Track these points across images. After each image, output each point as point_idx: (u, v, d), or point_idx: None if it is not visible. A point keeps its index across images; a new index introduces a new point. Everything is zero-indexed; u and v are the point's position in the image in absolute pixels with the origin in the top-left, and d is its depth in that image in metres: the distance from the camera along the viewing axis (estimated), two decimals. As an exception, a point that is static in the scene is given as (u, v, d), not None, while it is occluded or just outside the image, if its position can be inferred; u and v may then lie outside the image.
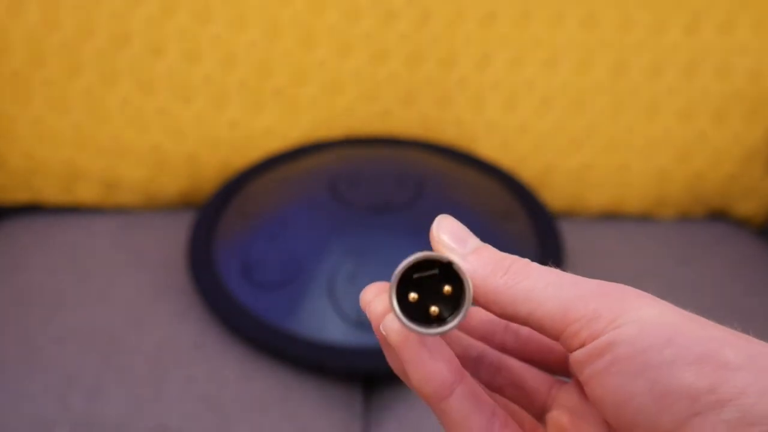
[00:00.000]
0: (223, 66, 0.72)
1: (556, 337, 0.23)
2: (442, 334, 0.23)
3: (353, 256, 0.62)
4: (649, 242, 0.75)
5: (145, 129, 0.73)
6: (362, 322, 0.59)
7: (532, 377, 0.28)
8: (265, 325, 0.59)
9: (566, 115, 0.75)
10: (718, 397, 0.19)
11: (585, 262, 0.71)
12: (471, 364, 0.28)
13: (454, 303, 0.23)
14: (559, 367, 0.28)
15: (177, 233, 0.70)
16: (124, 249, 0.69)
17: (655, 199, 0.79)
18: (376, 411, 0.59)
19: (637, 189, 0.78)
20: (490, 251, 0.24)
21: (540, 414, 0.27)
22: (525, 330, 0.28)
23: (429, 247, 0.24)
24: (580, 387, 0.26)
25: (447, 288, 0.23)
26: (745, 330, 0.22)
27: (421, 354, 0.23)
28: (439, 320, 0.23)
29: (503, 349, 0.28)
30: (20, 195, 0.75)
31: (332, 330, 0.59)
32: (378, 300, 0.24)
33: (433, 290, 0.23)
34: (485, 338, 0.28)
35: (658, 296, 0.22)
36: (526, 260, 0.24)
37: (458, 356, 0.27)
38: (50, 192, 0.75)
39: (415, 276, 0.23)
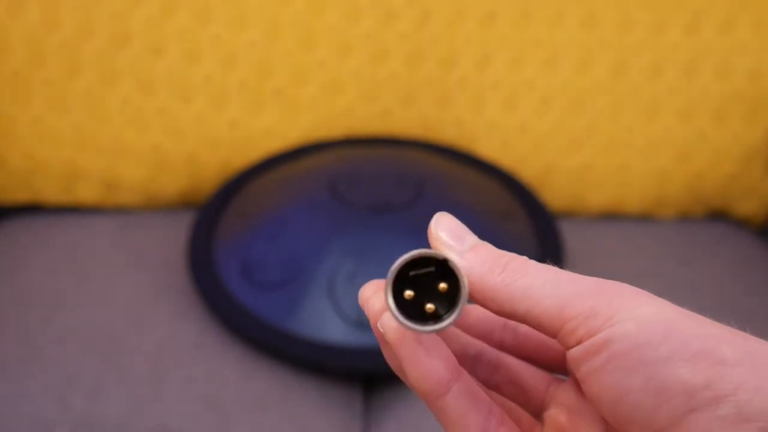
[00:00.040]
0: (223, 66, 0.72)
1: (553, 335, 0.23)
2: (438, 332, 0.23)
3: (353, 256, 0.62)
4: (649, 242, 0.75)
5: (145, 129, 0.73)
6: (362, 322, 0.59)
7: (530, 375, 0.28)
8: (265, 325, 0.59)
9: (566, 115, 0.75)
10: (714, 393, 0.19)
11: (585, 262, 0.71)
12: (469, 361, 0.28)
13: (450, 300, 0.23)
14: (557, 365, 0.28)
15: (177, 233, 0.70)
16: (124, 249, 0.69)
17: (655, 199, 0.79)
18: (376, 411, 0.59)
19: (637, 189, 0.78)
20: (487, 248, 0.24)
21: (537, 412, 0.27)
22: (523, 328, 0.28)
23: (429, 247, 0.24)
24: (578, 385, 0.26)
25: (443, 285, 0.23)
26: (744, 330, 0.21)
27: (417, 351, 0.23)
28: (436, 318, 0.23)
29: (501, 347, 0.28)
30: (20, 195, 0.75)
31: (332, 330, 0.59)
32: (376, 297, 0.24)
33: (429, 288, 0.23)
34: (483, 336, 0.28)
35: (657, 296, 0.22)
36: (524, 258, 0.24)
37: (456, 354, 0.27)
38: (50, 192, 0.75)
39: (412, 273, 0.23)
